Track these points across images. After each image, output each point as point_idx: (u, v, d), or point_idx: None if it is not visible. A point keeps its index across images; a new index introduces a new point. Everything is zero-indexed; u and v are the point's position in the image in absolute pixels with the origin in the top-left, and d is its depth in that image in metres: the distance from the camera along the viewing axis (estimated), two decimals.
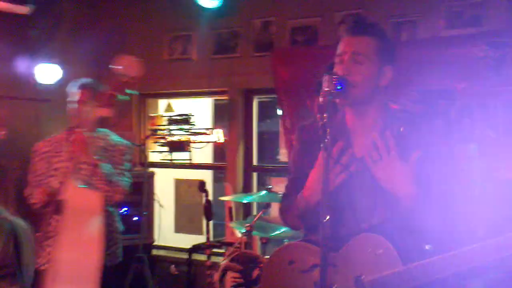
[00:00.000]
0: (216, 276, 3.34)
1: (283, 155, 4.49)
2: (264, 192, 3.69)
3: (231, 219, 4.26)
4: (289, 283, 1.95)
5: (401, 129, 1.86)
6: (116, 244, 3.24)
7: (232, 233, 4.22)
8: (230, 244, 3.73)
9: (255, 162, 4.77)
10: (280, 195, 2.25)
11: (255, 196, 3.83)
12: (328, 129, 1.69)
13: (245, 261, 3.31)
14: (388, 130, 1.84)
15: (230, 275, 3.34)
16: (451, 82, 3.67)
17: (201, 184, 3.62)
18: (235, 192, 4.59)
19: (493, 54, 3.54)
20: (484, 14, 3.70)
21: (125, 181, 3.18)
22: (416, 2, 3.88)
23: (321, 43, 4.28)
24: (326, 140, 1.69)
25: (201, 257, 4.18)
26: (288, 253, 1.99)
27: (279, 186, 3.75)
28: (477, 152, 3.38)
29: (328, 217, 1.66)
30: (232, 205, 4.28)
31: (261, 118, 4.91)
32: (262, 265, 3.18)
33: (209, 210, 3.59)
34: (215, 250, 4.31)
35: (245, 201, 4.09)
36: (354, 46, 1.86)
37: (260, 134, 4.90)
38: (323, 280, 1.68)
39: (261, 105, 4.86)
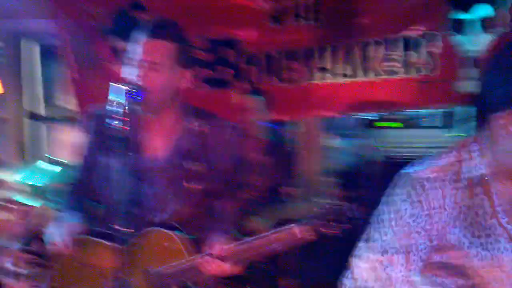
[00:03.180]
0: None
1: (71, 104, 4.21)
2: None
3: None
4: (73, 277, 2.00)
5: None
6: None
7: None
8: None
9: (41, 111, 4.43)
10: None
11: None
12: (128, 137, 1.77)
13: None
14: (187, 132, 1.96)
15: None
16: (236, 32, 3.76)
17: None
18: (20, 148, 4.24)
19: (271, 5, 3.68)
20: None
21: None
22: None
23: None
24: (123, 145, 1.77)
25: None
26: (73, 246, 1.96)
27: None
28: (264, 103, 3.59)
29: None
30: None
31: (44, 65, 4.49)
32: None
33: None
34: None
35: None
36: (151, 54, 1.87)
37: (44, 82, 4.52)
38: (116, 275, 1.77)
39: (43, 50, 4.42)
